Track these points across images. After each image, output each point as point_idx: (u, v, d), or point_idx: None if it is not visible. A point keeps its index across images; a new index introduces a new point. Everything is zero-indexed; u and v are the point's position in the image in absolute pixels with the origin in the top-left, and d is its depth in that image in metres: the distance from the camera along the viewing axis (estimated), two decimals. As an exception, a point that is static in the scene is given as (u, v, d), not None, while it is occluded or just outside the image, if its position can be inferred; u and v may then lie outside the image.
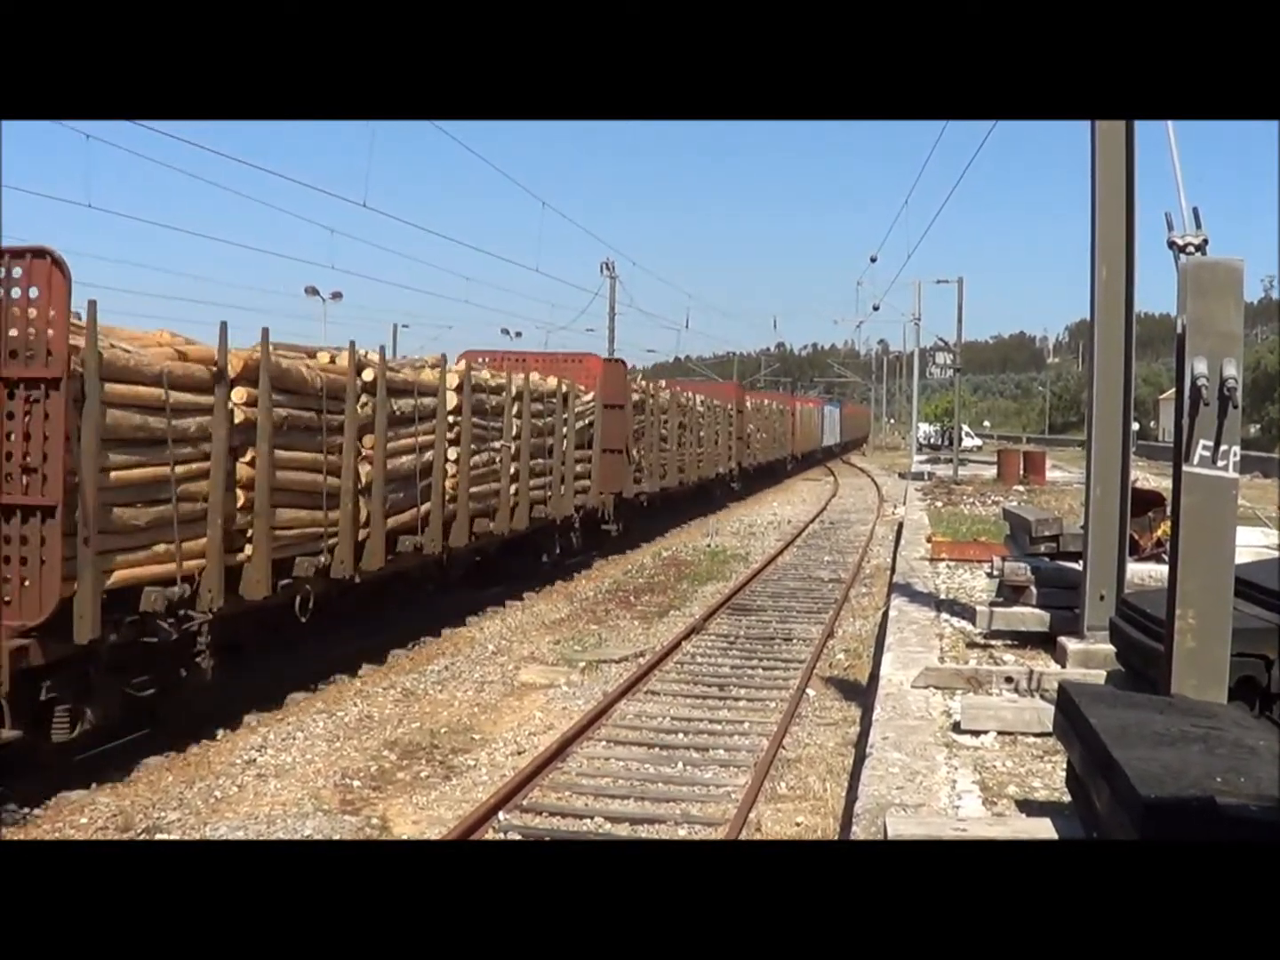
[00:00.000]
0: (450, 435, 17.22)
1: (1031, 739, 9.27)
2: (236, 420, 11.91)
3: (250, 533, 12.28)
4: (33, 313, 9.65)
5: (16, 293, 9.67)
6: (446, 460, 17.01)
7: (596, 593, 21.64)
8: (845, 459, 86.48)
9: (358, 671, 14.85)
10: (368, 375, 14.65)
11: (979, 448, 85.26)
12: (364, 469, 14.47)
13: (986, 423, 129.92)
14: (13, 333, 9.66)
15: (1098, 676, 10.02)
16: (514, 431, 19.84)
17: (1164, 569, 9.69)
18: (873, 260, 53.79)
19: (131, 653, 10.77)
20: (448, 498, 17.13)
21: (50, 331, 9.63)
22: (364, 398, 14.55)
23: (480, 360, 23.07)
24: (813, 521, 35.86)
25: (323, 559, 13.62)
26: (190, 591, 11.22)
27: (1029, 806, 7.61)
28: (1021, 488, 39.97)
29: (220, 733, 12.01)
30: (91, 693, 10.30)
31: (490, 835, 9.28)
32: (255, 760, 11.21)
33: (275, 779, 10.72)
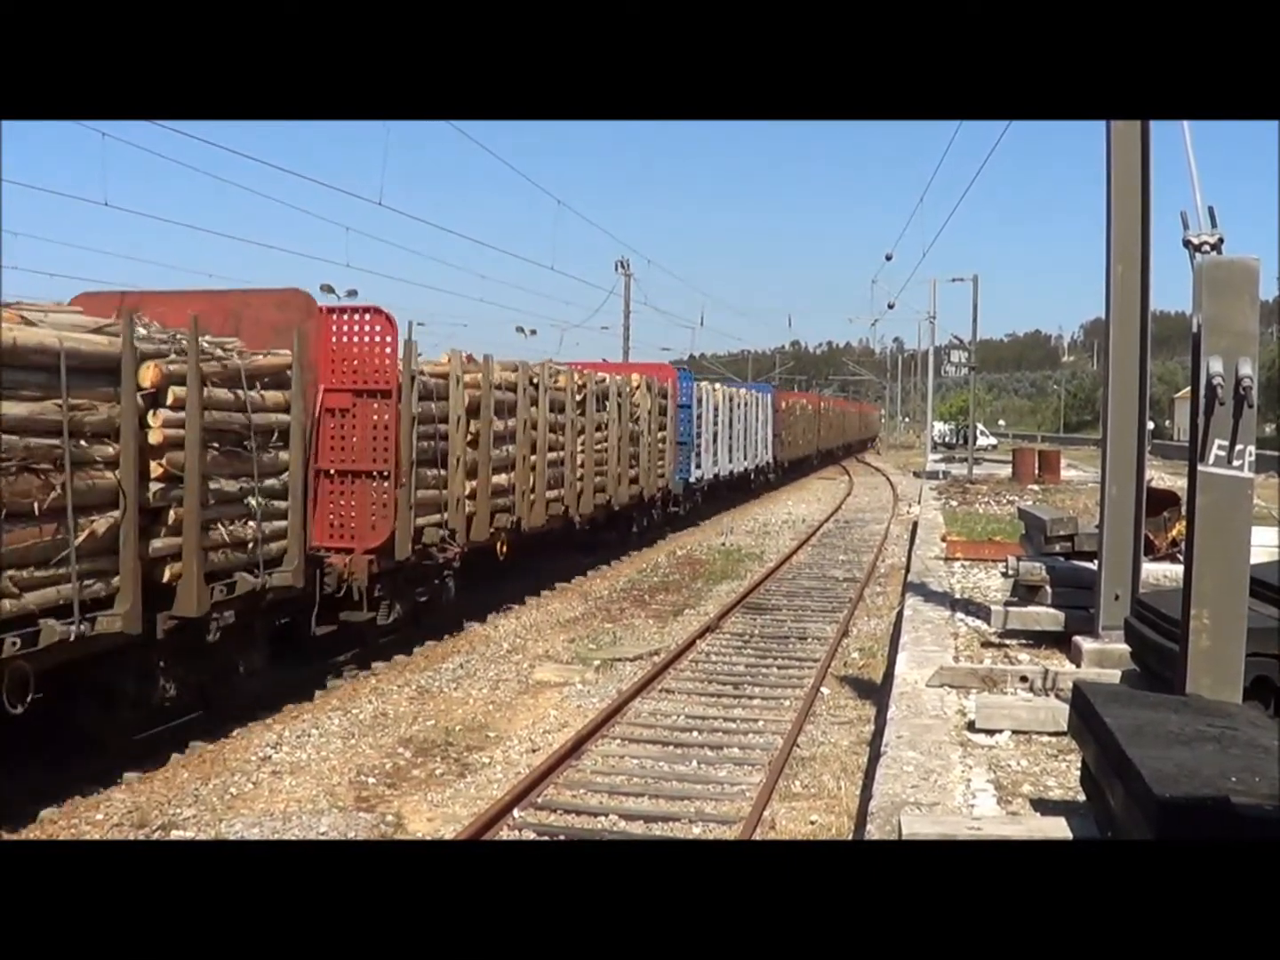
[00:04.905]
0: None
1: (1046, 738, 9.26)
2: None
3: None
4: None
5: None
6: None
7: (611, 591, 21.67)
8: (860, 458, 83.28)
9: (372, 668, 14.90)
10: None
11: (994, 446, 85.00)
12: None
13: (1001, 421, 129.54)
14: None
15: (1112, 676, 10.01)
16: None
17: (1179, 569, 9.68)
18: (888, 258, 53.64)
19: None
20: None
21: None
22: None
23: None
24: (827, 520, 35.81)
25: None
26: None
27: (1044, 805, 7.60)
28: (1036, 487, 39.89)
29: (236, 729, 12.06)
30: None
31: (505, 833, 9.31)
32: (270, 757, 11.25)
33: (290, 776, 10.76)
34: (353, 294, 58.48)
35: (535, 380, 19.91)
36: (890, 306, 63.76)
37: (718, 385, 39.58)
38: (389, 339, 14.47)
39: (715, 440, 35.92)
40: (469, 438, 17.20)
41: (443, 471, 16.30)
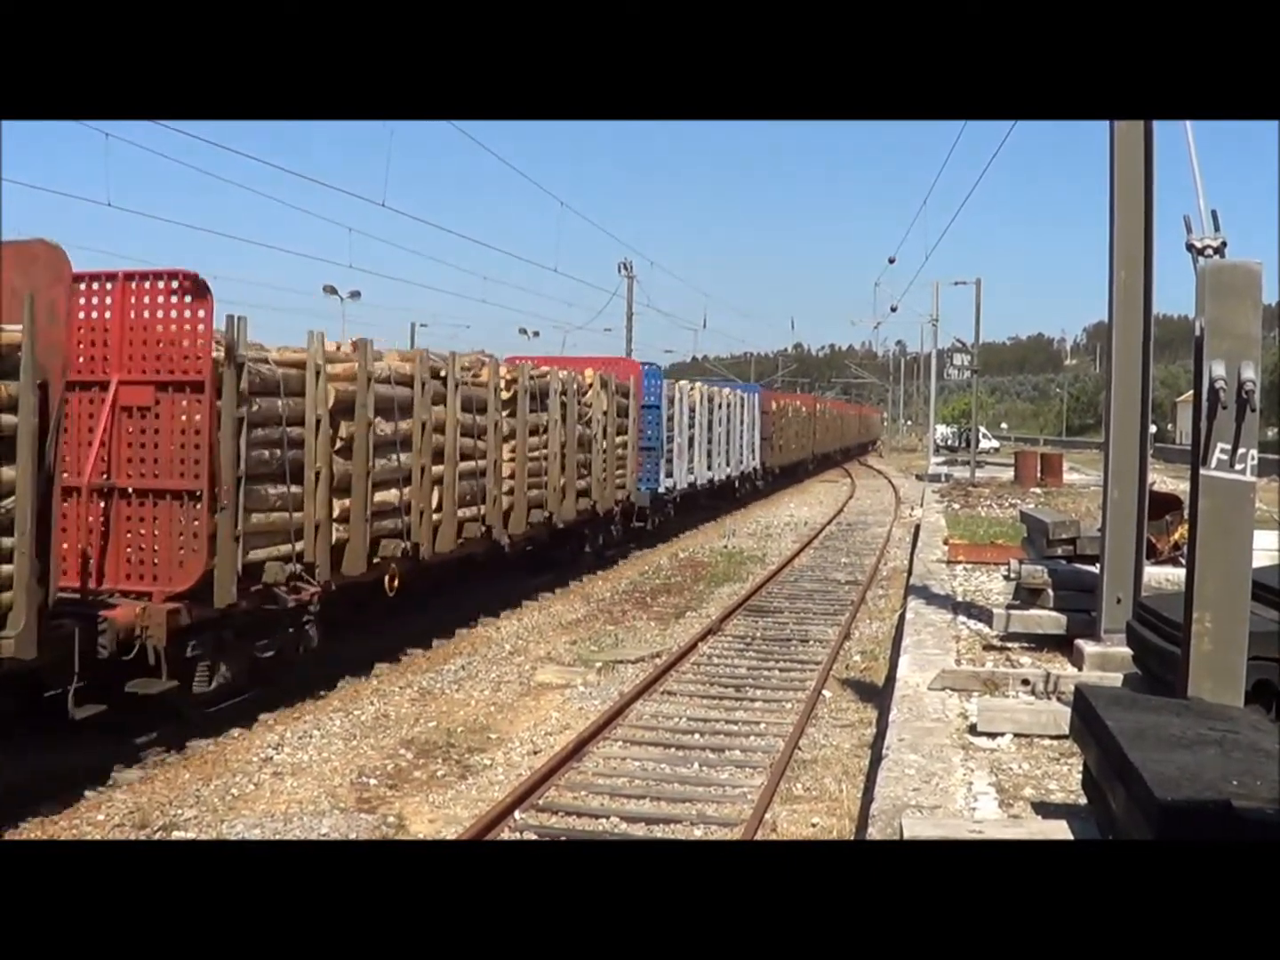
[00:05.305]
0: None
1: (1048, 741, 9.26)
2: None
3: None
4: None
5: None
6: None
7: (613, 594, 21.66)
8: (863, 460, 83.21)
9: (374, 670, 14.89)
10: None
11: (996, 449, 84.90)
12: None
13: (1004, 424, 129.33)
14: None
15: (1114, 679, 10.01)
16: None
17: (1181, 572, 9.68)
18: (891, 261, 53.75)
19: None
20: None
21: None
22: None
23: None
24: (829, 523, 35.78)
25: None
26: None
27: (1045, 808, 7.60)
28: (1039, 490, 39.89)
29: (237, 731, 12.05)
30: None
31: (506, 834, 9.31)
32: (272, 758, 11.24)
33: (292, 777, 10.75)
34: (356, 295, 58.42)
35: (441, 373, 16.13)
36: (893, 309, 63.57)
37: (697, 384, 35.72)
38: (201, 313, 11.15)
39: (691, 445, 32.11)
40: (338, 444, 13.50)
41: (295, 489, 12.70)
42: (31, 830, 9.33)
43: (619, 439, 25.11)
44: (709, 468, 34.57)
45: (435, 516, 15.83)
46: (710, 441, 34.65)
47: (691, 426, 32.02)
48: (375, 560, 14.29)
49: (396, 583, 14.83)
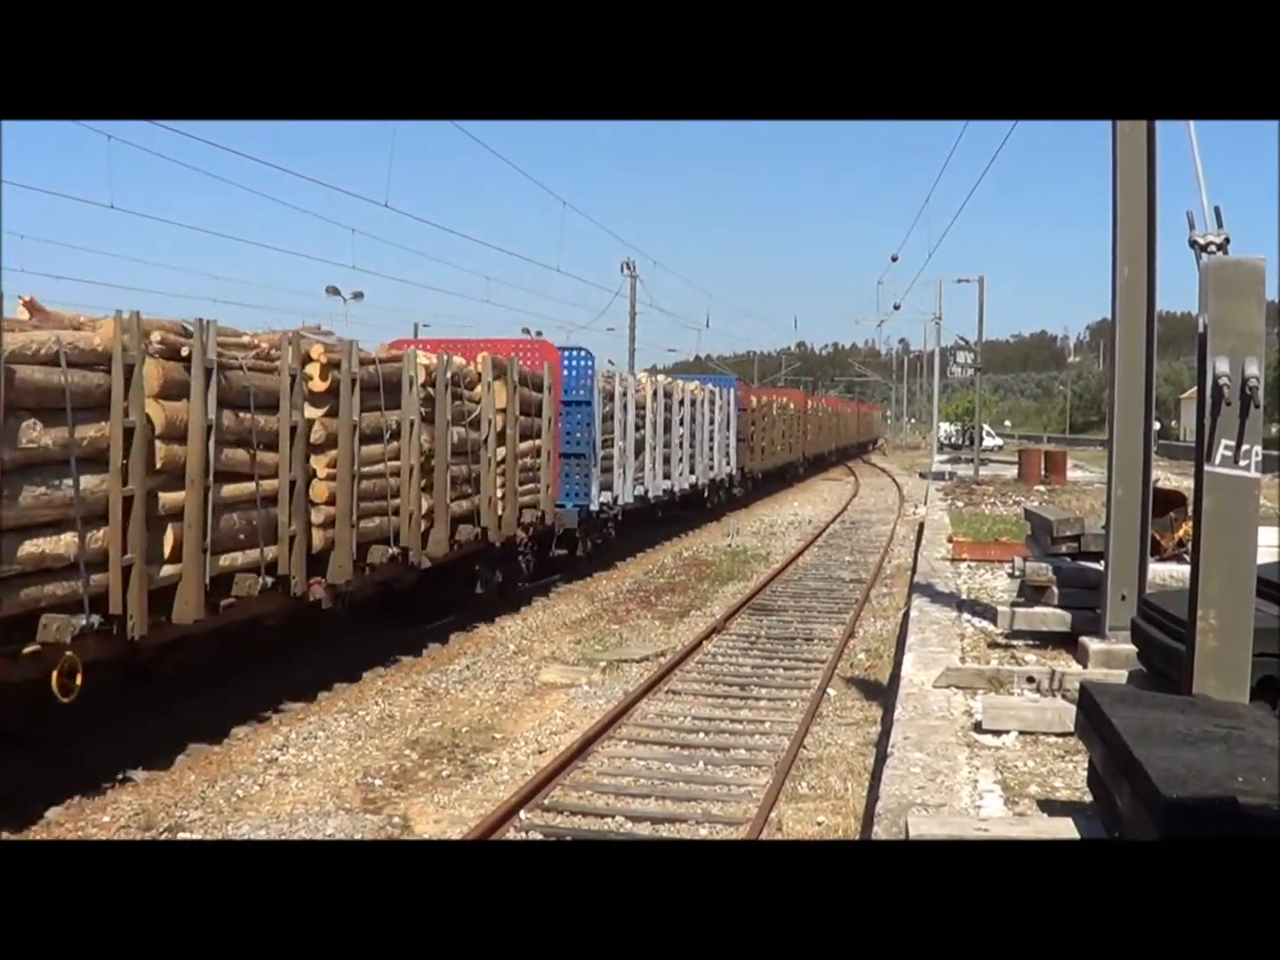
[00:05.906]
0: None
1: (1053, 739, 9.26)
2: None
3: None
4: None
5: None
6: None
7: (617, 593, 21.65)
8: (866, 459, 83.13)
9: (378, 670, 14.88)
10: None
11: (1000, 447, 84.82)
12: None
13: (1007, 422, 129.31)
14: None
15: (1119, 676, 10.01)
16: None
17: (1185, 569, 9.67)
18: (894, 259, 53.38)
19: None
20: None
21: None
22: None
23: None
24: (833, 521, 35.80)
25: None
26: None
27: (1051, 806, 7.60)
28: (1042, 488, 39.85)
29: (242, 731, 12.05)
30: None
31: (512, 834, 9.31)
32: (277, 759, 11.24)
33: (297, 778, 10.75)
34: (358, 296, 58.52)
35: (183, 351, 10.57)
36: (896, 308, 63.37)
37: (659, 376, 30.17)
38: None
39: (641, 449, 26.28)
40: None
41: None
42: (37, 832, 9.33)
43: (527, 444, 19.32)
44: (666, 476, 28.68)
45: (169, 570, 10.45)
46: (668, 445, 28.88)
47: (640, 427, 26.38)
48: (30, 649, 9.07)
49: (76, 681, 9.37)
